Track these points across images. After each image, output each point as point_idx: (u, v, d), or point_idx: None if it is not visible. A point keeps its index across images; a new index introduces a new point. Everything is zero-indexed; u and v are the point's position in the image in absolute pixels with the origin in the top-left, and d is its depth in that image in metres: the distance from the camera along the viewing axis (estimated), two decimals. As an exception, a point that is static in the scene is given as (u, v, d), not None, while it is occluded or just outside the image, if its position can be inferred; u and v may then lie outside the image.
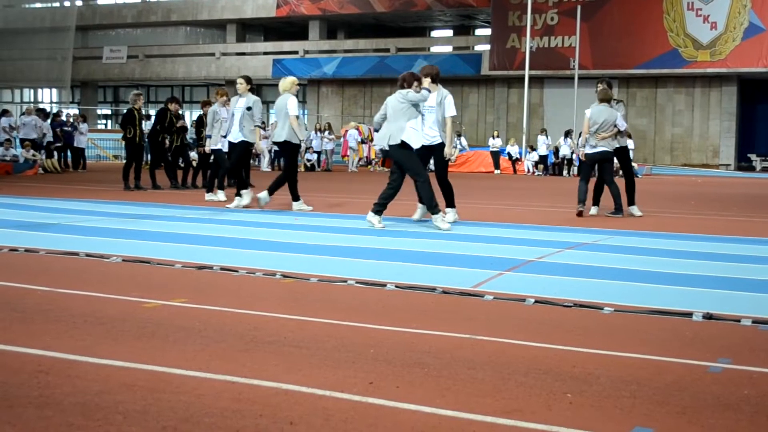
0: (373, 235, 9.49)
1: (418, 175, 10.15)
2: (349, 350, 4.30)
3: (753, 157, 41.59)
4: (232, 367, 3.92)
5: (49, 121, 26.93)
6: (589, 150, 12.17)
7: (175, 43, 54.90)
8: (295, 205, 12.38)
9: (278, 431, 3.11)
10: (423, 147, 10.51)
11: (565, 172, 33.90)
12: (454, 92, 44.67)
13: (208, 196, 14.46)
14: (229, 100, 17.27)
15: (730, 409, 3.47)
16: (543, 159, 34.73)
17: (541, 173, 34.44)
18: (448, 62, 45.21)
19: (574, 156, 33.68)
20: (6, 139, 25.56)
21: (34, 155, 25.19)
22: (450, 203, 10.91)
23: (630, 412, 3.40)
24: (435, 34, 53.67)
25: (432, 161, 11.01)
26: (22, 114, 27.82)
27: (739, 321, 5.15)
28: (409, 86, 10.09)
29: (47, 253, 7.58)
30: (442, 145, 10.77)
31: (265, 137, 32.34)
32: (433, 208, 10.00)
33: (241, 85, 13.12)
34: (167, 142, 18.04)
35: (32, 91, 60.07)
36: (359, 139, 37.34)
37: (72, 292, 5.73)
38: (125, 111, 18.03)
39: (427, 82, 10.60)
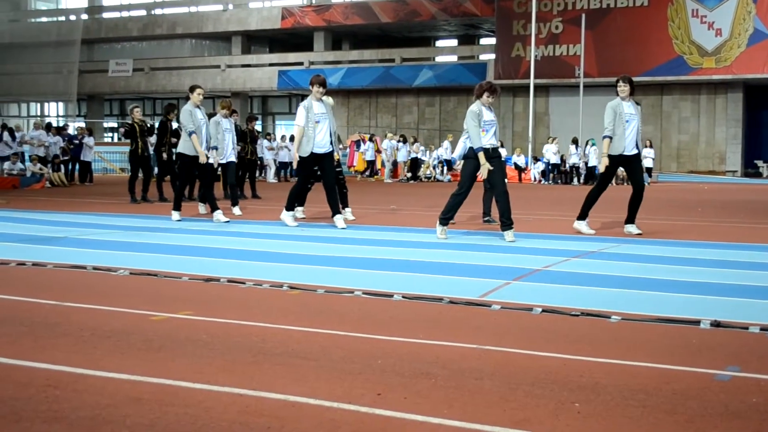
0: (379, 246, 9.49)
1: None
2: (356, 361, 4.30)
3: (759, 163, 41.51)
4: (239, 379, 3.92)
5: (50, 135, 26.90)
6: None
7: (181, 55, 55.09)
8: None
9: (286, 443, 3.11)
10: (314, 155, 11.48)
11: (575, 181, 33.89)
12: (459, 101, 45.03)
13: (236, 210, 14.22)
14: (235, 112, 17.28)
15: (738, 417, 3.46)
16: (555, 167, 34.65)
17: (550, 182, 34.39)
18: (453, 72, 45.30)
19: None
20: (13, 153, 25.66)
21: (41, 169, 25.26)
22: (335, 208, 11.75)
23: (638, 421, 3.39)
24: (440, 43, 53.76)
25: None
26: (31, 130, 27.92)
27: (747, 328, 5.13)
28: None
29: (55, 266, 7.60)
30: (332, 154, 11.67)
31: (271, 149, 32.51)
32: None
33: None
34: (164, 155, 17.90)
35: (38, 104, 60.29)
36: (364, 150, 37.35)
37: (79, 306, 5.74)
38: (128, 125, 18.08)
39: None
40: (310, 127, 11.33)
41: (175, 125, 18.34)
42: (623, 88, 10.75)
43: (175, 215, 12.59)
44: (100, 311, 5.57)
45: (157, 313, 5.46)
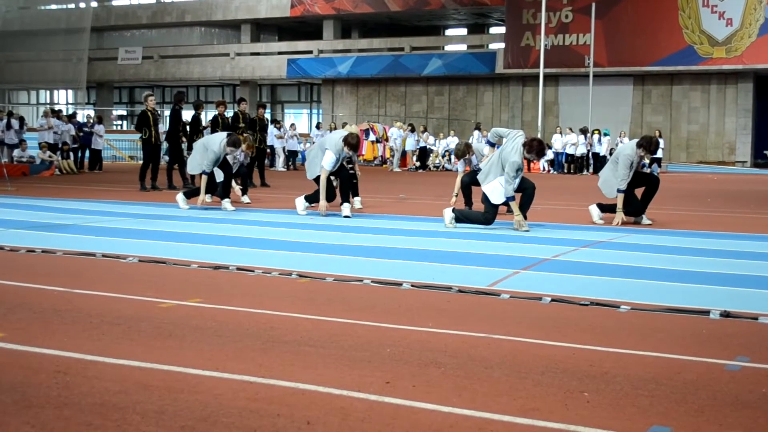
0: (388, 235, 9.49)
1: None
2: (366, 349, 4.30)
3: (769, 153, 41.38)
4: (248, 366, 3.93)
5: (60, 122, 26.89)
6: None
7: (190, 43, 55.05)
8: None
9: (295, 431, 3.11)
10: None
11: (585, 171, 33.80)
12: (468, 91, 44.92)
13: (245, 199, 14.25)
14: (243, 100, 17.26)
15: (748, 407, 3.46)
16: (570, 157, 34.44)
17: (573, 171, 34.17)
18: (463, 61, 45.15)
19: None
20: (21, 139, 25.71)
21: (50, 156, 25.30)
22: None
23: (647, 410, 3.39)
24: (449, 32, 53.59)
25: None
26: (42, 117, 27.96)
27: (756, 319, 5.12)
28: None
29: (64, 253, 7.62)
30: None
31: (280, 137, 32.50)
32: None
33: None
34: (183, 140, 17.98)
35: (48, 92, 60.35)
36: (374, 139, 37.34)
37: (89, 293, 5.76)
38: (139, 113, 18.05)
39: None
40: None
41: (185, 115, 18.39)
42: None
43: (183, 202, 12.58)
44: (110, 298, 5.58)
45: (166, 301, 5.48)
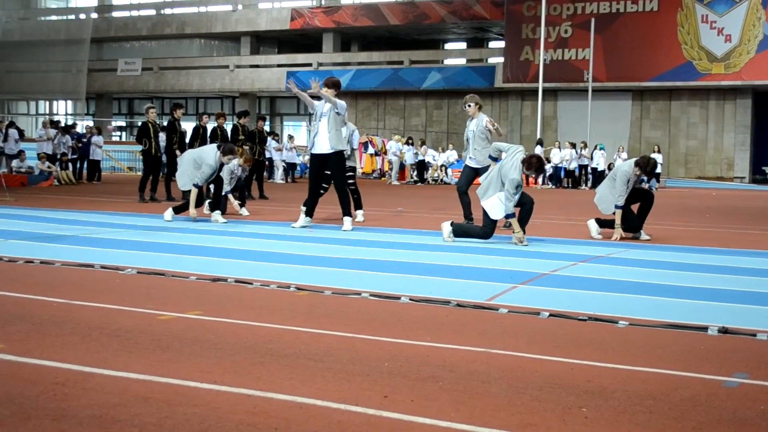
0: (386, 248, 9.49)
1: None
2: (364, 363, 4.30)
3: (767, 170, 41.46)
4: (246, 380, 3.93)
5: (57, 135, 26.90)
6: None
7: (190, 55, 55.19)
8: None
9: (293, 445, 3.11)
10: (316, 156, 11.58)
11: (584, 185, 33.87)
12: (467, 104, 44.77)
13: (243, 211, 14.17)
14: (247, 114, 17.31)
15: (746, 424, 3.46)
16: (570, 172, 34.52)
17: (570, 186, 34.22)
18: (462, 75, 45.28)
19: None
20: (20, 150, 25.75)
21: (49, 167, 25.31)
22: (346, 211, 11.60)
23: (645, 427, 3.39)
24: (448, 46, 53.76)
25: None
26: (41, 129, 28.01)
27: (755, 335, 5.12)
28: None
29: (63, 264, 7.61)
30: (336, 155, 11.44)
31: (279, 149, 32.56)
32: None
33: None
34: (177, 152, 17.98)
35: (47, 103, 60.44)
36: (372, 152, 37.41)
37: (87, 304, 5.75)
38: (140, 124, 18.10)
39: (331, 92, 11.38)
40: (312, 125, 11.46)
41: (183, 125, 18.40)
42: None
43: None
44: (108, 310, 5.58)
45: (164, 313, 5.47)
